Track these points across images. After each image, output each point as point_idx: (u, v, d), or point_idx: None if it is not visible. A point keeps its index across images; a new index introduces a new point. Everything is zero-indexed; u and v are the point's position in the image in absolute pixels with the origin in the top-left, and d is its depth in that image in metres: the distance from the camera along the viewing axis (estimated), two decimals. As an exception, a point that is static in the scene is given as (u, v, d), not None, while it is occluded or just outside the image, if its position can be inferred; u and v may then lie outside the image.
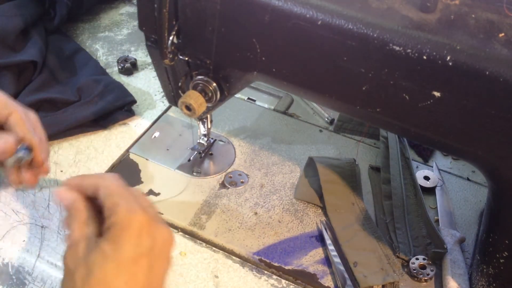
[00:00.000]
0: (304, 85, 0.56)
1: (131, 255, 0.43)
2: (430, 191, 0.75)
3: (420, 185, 0.75)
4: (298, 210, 0.73)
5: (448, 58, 0.46)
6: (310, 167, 0.77)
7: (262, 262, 0.66)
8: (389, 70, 0.49)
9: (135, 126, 0.84)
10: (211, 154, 0.81)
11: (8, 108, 0.54)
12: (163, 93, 0.89)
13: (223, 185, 0.76)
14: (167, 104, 0.88)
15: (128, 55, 0.96)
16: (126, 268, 0.43)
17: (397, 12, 0.49)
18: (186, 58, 0.61)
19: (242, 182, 0.76)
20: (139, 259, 0.44)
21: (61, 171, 0.76)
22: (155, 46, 0.61)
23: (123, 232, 0.44)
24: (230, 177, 0.77)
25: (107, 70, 0.93)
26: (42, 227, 0.68)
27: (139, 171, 0.77)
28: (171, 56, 0.59)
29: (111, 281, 0.42)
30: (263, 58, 0.55)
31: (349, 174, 0.76)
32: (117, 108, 0.84)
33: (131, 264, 0.43)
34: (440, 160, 0.81)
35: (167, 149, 0.81)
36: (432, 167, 0.79)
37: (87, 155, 0.79)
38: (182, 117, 0.86)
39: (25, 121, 0.57)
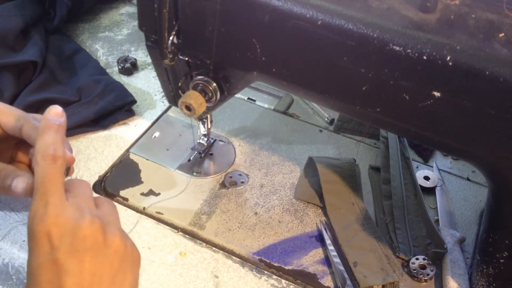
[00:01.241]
0: (304, 85, 0.56)
1: (35, 264, 0.43)
2: (430, 191, 0.75)
3: (420, 185, 0.75)
4: (298, 210, 0.73)
5: (448, 58, 0.46)
6: (310, 167, 0.77)
7: (262, 262, 0.66)
8: (389, 70, 0.49)
9: (135, 126, 0.84)
10: (211, 154, 0.81)
11: (21, 120, 0.54)
12: (163, 93, 0.89)
13: (223, 185, 0.76)
14: (167, 104, 0.88)
15: (128, 55, 0.96)
16: (34, 277, 0.42)
17: (397, 12, 0.49)
18: (186, 58, 0.61)
19: (242, 182, 0.76)
20: (48, 265, 0.42)
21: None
22: (155, 46, 0.61)
23: (29, 240, 0.43)
24: (230, 177, 0.77)
25: (107, 70, 0.93)
26: (42, 227, 0.68)
27: (139, 171, 0.77)
28: (171, 56, 0.59)
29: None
30: (263, 58, 0.55)
31: (349, 174, 0.76)
32: (117, 108, 0.84)
33: (38, 271, 0.42)
34: (440, 160, 0.81)
35: (167, 149, 0.81)
36: (432, 167, 0.79)
37: (87, 155, 0.79)
38: (182, 117, 0.86)
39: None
